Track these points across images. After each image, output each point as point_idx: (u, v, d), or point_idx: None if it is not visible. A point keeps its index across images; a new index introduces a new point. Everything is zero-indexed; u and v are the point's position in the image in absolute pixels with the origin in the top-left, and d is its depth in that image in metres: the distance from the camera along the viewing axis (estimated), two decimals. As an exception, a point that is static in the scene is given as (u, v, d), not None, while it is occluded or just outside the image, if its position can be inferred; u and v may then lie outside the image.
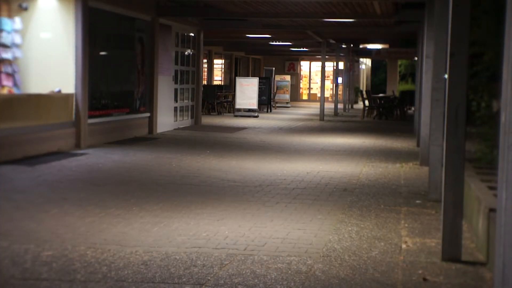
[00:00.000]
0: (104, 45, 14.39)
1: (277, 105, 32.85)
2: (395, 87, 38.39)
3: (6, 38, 11.98)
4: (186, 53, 19.33)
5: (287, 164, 11.15)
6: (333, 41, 26.55)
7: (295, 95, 41.76)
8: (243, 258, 5.27)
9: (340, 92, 33.19)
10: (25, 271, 4.83)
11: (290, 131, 18.38)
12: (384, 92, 40.12)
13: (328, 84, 39.02)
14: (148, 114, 16.26)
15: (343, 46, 29.26)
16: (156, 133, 16.42)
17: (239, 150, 13.12)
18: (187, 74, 19.47)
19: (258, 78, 26.61)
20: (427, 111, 10.59)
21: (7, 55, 12.00)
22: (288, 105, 34.26)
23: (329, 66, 35.98)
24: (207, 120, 21.79)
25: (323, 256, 5.40)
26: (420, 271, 5.06)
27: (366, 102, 25.87)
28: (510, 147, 3.37)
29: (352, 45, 29.76)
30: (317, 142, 15.31)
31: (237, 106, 24.72)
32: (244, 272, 4.91)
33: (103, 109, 14.11)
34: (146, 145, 13.62)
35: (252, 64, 41.08)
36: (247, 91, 24.50)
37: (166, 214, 6.87)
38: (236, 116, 24.31)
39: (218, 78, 35.05)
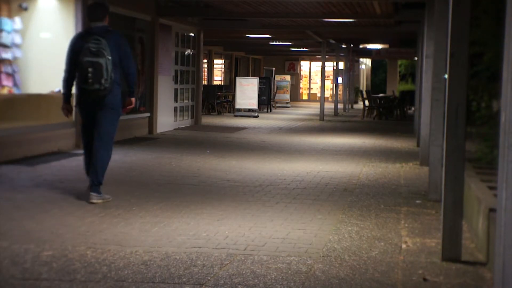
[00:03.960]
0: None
1: (277, 105, 32.86)
2: (395, 87, 38.40)
3: (6, 38, 11.97)
4: (186, 53, 19.33)
5: (287, 164, 11.15)
6: (333, 41, 26.56)
7: (295, 95, 41.78)
8: (243, 258, 5.27)
9: (340, 92, 33.20)
10: (25, 271, 4.83)
11: (290, 131, 18.38)
12: (384, 92, 40.14)
13: (328, 84, 39.03)
14: (148, 114, 16.26)
15: (343, 46, 29.26)
16: (156, 133, 16.43)
17: (239, 150, 13.12)
18: (187, 74, 19.48)
19: (258, 78, 26.62)
20: (427, 111, 10.59)
21: (7, 55, 11.99)
22: (288, 105, 34.27)
23: (329, 66, 35.98)
24: (207, 120, 21.80)
25: (323, 256, 5.40)
26: (420, 271, 5.06)
27: (366, 102, 25.88)
28: (510, 147, 3.37)
29: (352, 45, 29.76)
30: (317, 142, 15.31)
31: (237, 106, 24.73)
32: (244, 272, 4.91)
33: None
34: (146, 145, 13.62)
35: (252, 64, 41.10)
36: (247, 91, 24.51)
37: (166, 214, 6.87)
38: (236, 116, 24.31)
39: (218, 78, 35.07)
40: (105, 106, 7.51)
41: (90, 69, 7.35)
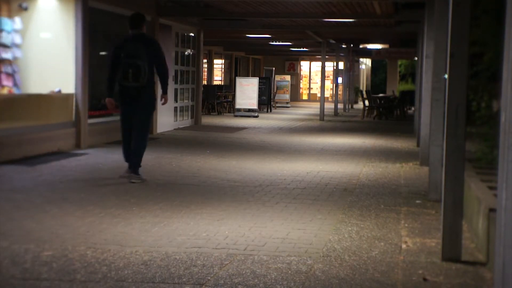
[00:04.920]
0: (104, 45, 14.39)
1: (277, 105, 32.86)
2: (395, 87, 38.41)
3: (6, 38, 11.98)
4: (186, 53, 19.33)
5: (287, 164, 11.15)
6: (333, 41, 26.55)
7: (295, 95, 41.78)
8: (243, 258, 5.27)
9: (340, 92, 33.21)
10: (25, 271, 4.83)
11: (290, 131, 18.38)
12: (384, 92, 40.14)
13: (328, 84, 39.03)
14: (148, 114, 16.22)
15: (343, 46, 29.26)
16: (156, 133, 16.42)
17: (239, 150, 13.12)
18: (187, 74, 19.47)
19: (258, 78, 26.61)
20: (427, 111, 10.59)
21: (7, 55, 12.00)
22: (288, 105, 34.27)
23: (329, 66, 35.98)
24: (207, 120, 21.80)
25: (323, 256, 5.40)
26: (420, 271, 5.06)
27: (366, 102, 25.88)
28: (510, 147, 3.37)
29: (352, 45, 29.75)
30: (317, 142, 15.31)
31: (237, 106, 24.73)
32: (244, 272, 4.91)
33: (103, 109, 14.10)
34: (146, 145, 13.60)
35: (252, 64, 41.09)
36: (247, 91, 24.51)
37: (166, 214, 6.87)
38: (236, 116, 24.31)
39: (218, 78, 35.06)
40: (142, 101, 8.92)
41: (130, 70, 8.73)
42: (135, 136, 8.98)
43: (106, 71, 9.12)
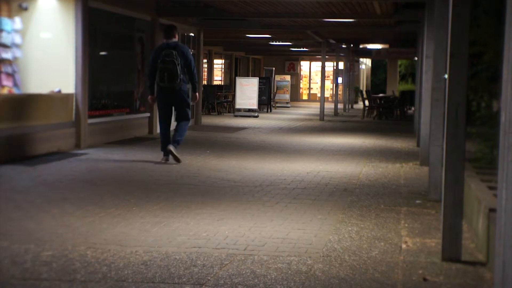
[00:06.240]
0: (104, 45, 14.39)
1: (277, 105, 32.86)
2: (395, 87, 38.41)
3: (6, 38, 11.98)
4: (186, 53, 19.30)
5: (287, 164, 11.15)
6: (333, 41, 26.56)
7: (295, 95, 41.79)
8: (243, 258, 5.27)
9: (340, 92, 33.21)
10: (25, 271, 4.83)
11: (290, 131, 18.38)
12: (384, 92, 40.14)
13: (328, 84, 39.03)
14: (148, 114, 16.26)
15: (343, 46, 29.26)
16: (156, 133, 16.40)
17: (239, 150, 13.12)
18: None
19: (258, 78, 26.61)
20: (427, 111, 10.59)
21: (7, 55, 11.99)
22: (288, 105, 34.28)
23: (329, 66, 35.98)
24: (207, 120, 21.80)
25: (323, 256, 5.40)
26: (420, 271, 5.06)
27: (366, 102, 25.88)
28: (510, 147, 3.37)
29: (352, 45, 29.76)
30: (317, 142, 15.31)
31: (237, 106, 24.73)
32: (244, 272, 4.91)
33: (103, 109, 14.10)
34: (146, 145, 13.62)
35: (252, 64, 41.10)
36: (247, 91, 24.51)
37: (166, 214, 6.87)
38: (236, 116, 24.32)
39: (218, 78, 35.06)
40: (178, 98, 10.67)
41: (165, 74, 10.44)
42: (180, 121, 10.83)
43: (147, 75, 10.72)
